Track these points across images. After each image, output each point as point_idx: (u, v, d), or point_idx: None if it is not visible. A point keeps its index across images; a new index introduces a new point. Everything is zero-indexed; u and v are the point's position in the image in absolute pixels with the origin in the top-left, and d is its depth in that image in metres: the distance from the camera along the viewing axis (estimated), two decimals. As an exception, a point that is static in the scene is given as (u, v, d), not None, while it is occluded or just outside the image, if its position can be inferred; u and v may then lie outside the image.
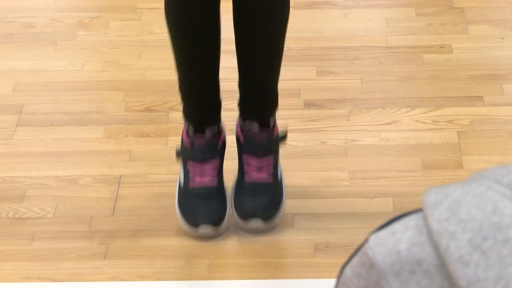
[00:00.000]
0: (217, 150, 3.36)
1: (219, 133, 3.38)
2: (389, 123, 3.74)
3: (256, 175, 3.33)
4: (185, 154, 3.35)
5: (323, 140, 3.68)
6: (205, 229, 3.27)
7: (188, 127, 3.36)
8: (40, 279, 3.20)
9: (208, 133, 3.36)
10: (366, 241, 0.96)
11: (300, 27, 3.96)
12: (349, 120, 3.75)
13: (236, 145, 3.39)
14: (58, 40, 4.17)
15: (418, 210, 0.93)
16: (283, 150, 3.43)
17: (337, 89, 3.89)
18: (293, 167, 3.50)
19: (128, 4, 4.34)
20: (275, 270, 3.25)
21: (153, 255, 3.27)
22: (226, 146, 3.40)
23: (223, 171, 3.39)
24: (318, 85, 3.91)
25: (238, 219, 3.31)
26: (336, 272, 3.11)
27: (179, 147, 3.39)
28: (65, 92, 3.91)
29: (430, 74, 3.94)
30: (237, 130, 3.40)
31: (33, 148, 3.67)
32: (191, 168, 3.33)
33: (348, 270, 0.96)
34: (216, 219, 3.29)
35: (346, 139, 3.68)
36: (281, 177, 3.37)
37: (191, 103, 3.35)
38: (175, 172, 3.44)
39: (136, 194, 3.49)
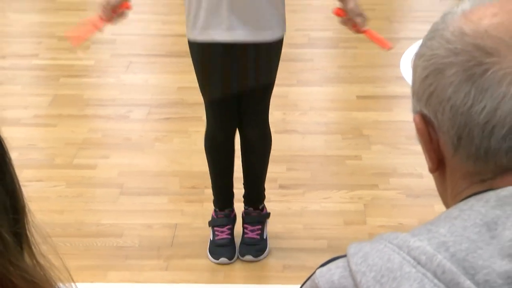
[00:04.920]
0: (231, 221, 3.35)
1: (232, 212, 3.37)
2: (326, 198, 3.72)
3: (250, 234, 3.33)
4: (213, 223, 3.35)
5: (289, 207, 3.66)
6: (223, 261, 3.25)
7: (215, 209, 3.37)
8: (129, 281, 3.17)
9: (226, 211, 3.36)
10: (314, 272, 0.93)
11: (277, 142, 3.95)
12: (304, 196, 3.73)
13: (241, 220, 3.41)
14: (144, 148, 4.14)
15: (345, 255, 0.91)
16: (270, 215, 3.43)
17: (298, 179, 3.87)
18: (271, 221, 3.48)
19: (183, 129, 4.32)
20: (260, 279, 3.22)
21: (194, 269, 3.25)
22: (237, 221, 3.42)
23: (235, 233, 3.39)
24: (287, 176, 3.89)
25: (240, 257, 3.29)
26: (295, 282, 3.09)
27: (211, 220, 3.39)
28: (147, 177, 3.89)
29: (349, 171, 3.93)
30: (242, 212, 3.41)
31: (128, 207, 3.65)
32: (216, 231, 3.33)
33: (303, 290, 0.94)
34: (230, 255, 3.28)
35: (302, 206, 3.66)
36: (266, 237, 3.35)
37: (217, 196, 3.37)
38: (206, 223, 3.42)
39: (186, 234, 3.46)
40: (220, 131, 3.20)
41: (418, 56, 0.93)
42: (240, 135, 3.26)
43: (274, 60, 3.08)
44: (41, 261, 1.00)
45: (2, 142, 0.95)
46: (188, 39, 3.05)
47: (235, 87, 3.07)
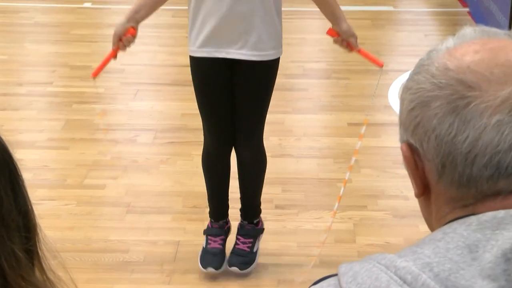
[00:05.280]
0: (224, 232, 3.33)
1: (226, 223, 3.35)
2: (318, 218, 3.71)
3: (241, 246, 3.31)
4: (208, 232, 3.33)
5: (284, 225, 3.65)
6: (210, 269, 3.23)
7: (211, 220, 3.35)
8: (135, 294, 3.16)
9: (221, 223, 3.34)
10: None
11: (273, 166, 3.96)
12: (297, 216, 3.73)
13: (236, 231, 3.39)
14: (149, 169, 4.15)
15: (335, 274, 0.91)
16: (265, 231, 3.41)
17: (292, 199, 3.87)
18: (267, 239, 3.47)
19: (186, 152, 4.32)
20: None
21: (195, 283, 3.24)
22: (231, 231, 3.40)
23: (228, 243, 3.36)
24: (282, 197, 3.89)
25: (227, 267, 3.27)
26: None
27: (206, 229, 3.37)
28: (153, 196, 3.88)
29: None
30: (238, 224, 3.38)
31: (134, 225, 3.64)
32: (209, 239, 3.31)
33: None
34: (217, 265, 3.24)
35: (296, 225, 3.65)
36: (256, 251, 3.33)
37: (213, 208, 3.35)
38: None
39: (187, 250, 3.45)
40: (215, 147, 3.19)
41: (405, 89, 0.93)
42: (236, 154, 3.25)
43: (270, 79, 3.08)
44: (51, 276, 1.00)
45: (16, 167, 0.95)
46: (189, 54, 3.07)
47: (230, 103, 3.07)
